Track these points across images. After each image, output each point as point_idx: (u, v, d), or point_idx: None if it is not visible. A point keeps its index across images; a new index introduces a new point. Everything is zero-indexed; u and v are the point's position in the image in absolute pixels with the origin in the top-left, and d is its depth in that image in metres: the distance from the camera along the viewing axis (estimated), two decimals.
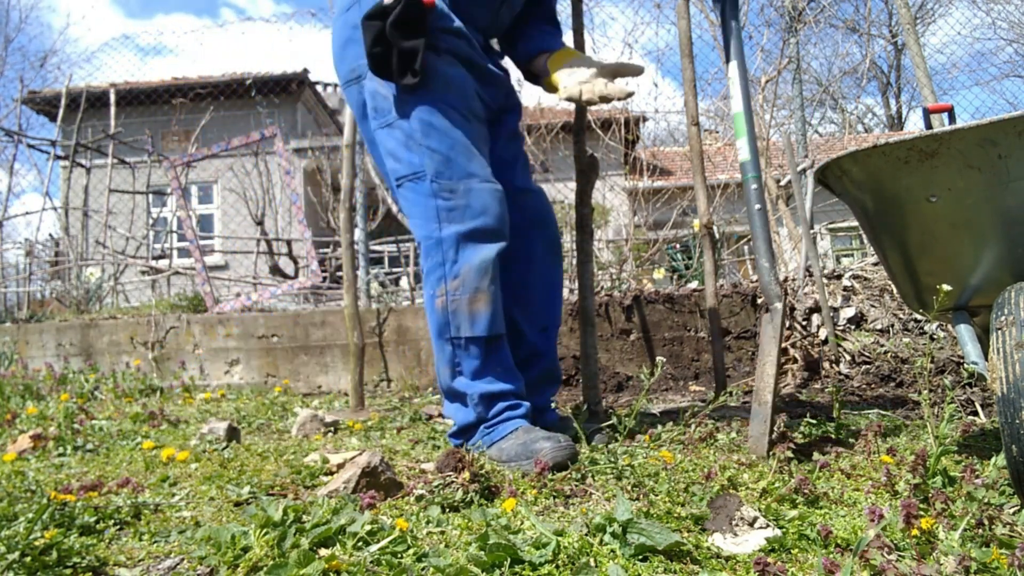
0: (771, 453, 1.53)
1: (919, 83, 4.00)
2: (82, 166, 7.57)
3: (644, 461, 1.56)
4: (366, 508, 1.19)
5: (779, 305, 1.76)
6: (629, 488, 1.36)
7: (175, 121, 8.75)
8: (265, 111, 10.35)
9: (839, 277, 3.46)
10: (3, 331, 4.46)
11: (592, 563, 0.98)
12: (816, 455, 1.62)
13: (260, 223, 7.85)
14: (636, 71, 1.94)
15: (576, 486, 1.41)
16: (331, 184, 7.85)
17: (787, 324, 3.42)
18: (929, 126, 1.93)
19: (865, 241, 6.11)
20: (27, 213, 7.12)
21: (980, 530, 1.04)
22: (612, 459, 1.59)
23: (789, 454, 1.50)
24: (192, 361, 4.15)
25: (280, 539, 1.05)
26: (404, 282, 6.92)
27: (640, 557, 1.01)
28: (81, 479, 1.59)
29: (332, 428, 2.34)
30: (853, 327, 3.22)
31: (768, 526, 1.09)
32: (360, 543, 1.05)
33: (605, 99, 1.86)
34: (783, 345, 3.36)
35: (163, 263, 7.05)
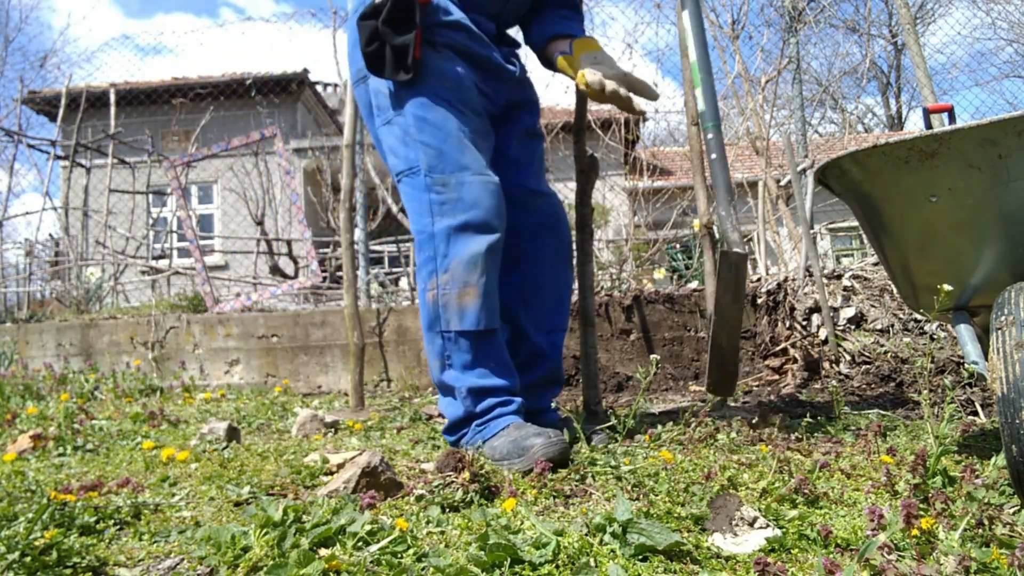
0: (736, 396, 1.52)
1: (919, 83, 4.00)
2: (82, 166, 7.57)
3: (644, 461, 1.56)
4: (366, 508, 1.19)
5: (739, 251, 1.76)
6: (629, 488, 1.36)
7: (175, 121, 8.75)
8: (265, 111, 10.35)
9: (839, 277, 3.46)
10: (3, 331, 4.46)
11: (592, 563, 0.98)
12: (816, 455, 1.62)
13: (260, 223, 7.85)
14: (653, 96, 1.88)
15: (576, 486, 1.41)
16: (331, 184, 7.85)
17: (787, 324, 3.42)
18: (929, 126, 1.93)
19: (865, 241, 6.10)
20: (27, 213, 7.13)
21: (980, 530, 1.04)
22: (612, 459, 1.59)
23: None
24: (192, 361, 4.15)
25: (280, 539, 1.05)
26: (404, 282, 6.92)
27: (640, 557, 1.01)
28: (81, 479, 1.59)
29: (332, 428, 2.34)
30: (853, 327, 3.22)
31: (768, 526, 1.09)
32: (360, 543, 1.05)
33: (620, 103, 1.82)
34: (783, 345, 3.37)
35: (163, 263, 7.05)
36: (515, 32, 2.15)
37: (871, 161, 1.43)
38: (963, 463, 1.50)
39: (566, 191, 5.06)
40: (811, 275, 3.39)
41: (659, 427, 1.92)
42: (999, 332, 1.23)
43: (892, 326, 3.15)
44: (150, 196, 7.64)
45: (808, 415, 2.13)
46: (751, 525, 1.09)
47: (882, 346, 3.05)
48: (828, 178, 1.58)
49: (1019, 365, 1.14)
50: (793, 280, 3.54)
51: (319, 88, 14.22)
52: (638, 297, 3.67)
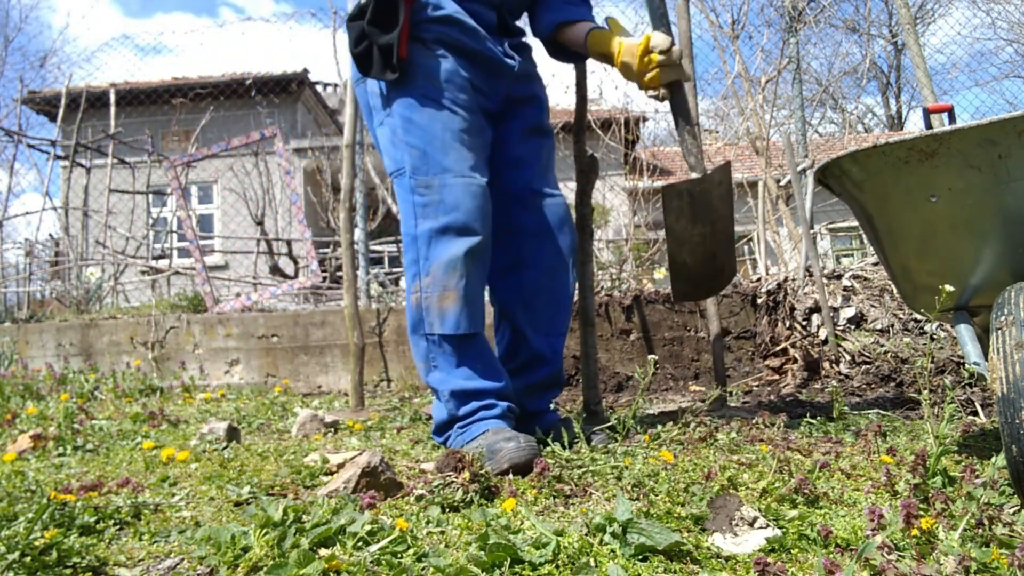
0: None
1: (919, 83, 4.00)
2: (82, 166, 7.57)
3: (644, 461, 1.56)
4: (366, 508, 1.19)
5: (691, 177, 1.82)
6: (629, 488, 1.36)
7: (175, 121, 8.74)
8: (265, 111, 10.34)
9: (839, 277, 3.46)
10: (3, 331, 4.46)
11: (592, 563, 0.98)
12: (816, 455, 1.62)
13: (260, 223, 7.85)
14: (687, 77, 1.85)
15: (576, 486, 1.41)
16: (331, 184, 7.85)
17: (787, 324, 3.42)
18: (929, 126, 1.93)
19: (865, 241, 6.10)
20: (27, 213, 7.13)
21: (980, 530, 1.04)
22: (612, 459, 1.59)
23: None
24: (192, 361, 4.15)
25: (280, 539, 1.05)
26: (404, 282, 6.92)
27: (640, 557, 1.01)
28: (81, 479, 1.59)
29: (332, 428, 2.34)
30: (853, 327, 3.22)
31: (768, 526, 1.09)
32: (360, 543, 1.05)
33: (678, 72, 1.78)
34: (783, 345, 3.37)
35: (163, 263, 7.05)
36: (523, 23, 2.07)
37: (871, 161, 1.43)
38: (963, 463, 1.50)
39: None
40: (811, 275, 3.39)
41: (659, 427, 1.92)
42: (999, 332, 1.23)
43: (892, 326, 3.15)
44: (150, 196, 7.64)
45: (808, 415, 2.13)
46: (751, 525, 1.09)
47: (882, 346, 3.05)
48: (828, 178, 1.58)
49: (1019, 365, 1.14)
50: (793, 280, 3.54)
51: (319, 88, 14.22)
52: (638, 297, 3.67)
